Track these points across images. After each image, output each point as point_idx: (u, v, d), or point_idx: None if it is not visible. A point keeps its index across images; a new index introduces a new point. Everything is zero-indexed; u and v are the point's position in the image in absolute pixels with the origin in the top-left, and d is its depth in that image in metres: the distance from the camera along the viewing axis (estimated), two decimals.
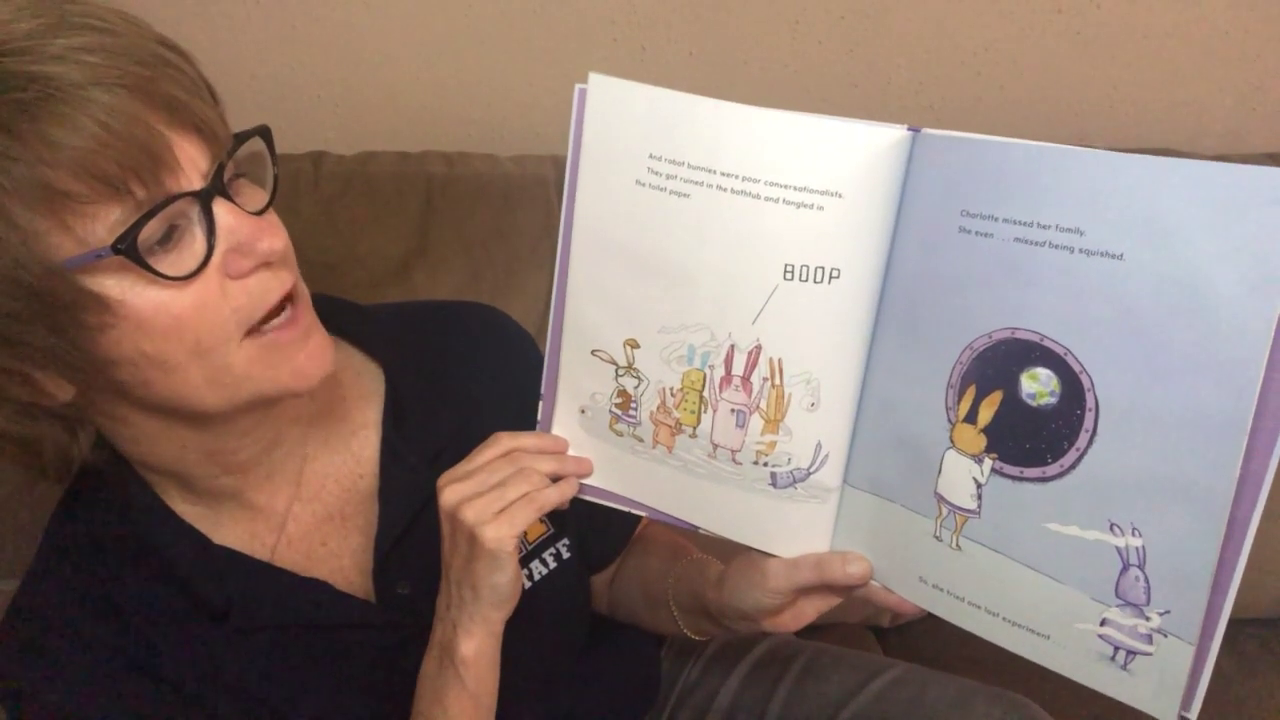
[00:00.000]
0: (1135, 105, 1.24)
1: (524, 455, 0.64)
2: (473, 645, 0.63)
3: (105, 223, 0.50)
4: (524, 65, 1.17)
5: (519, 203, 1.05)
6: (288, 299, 0.59)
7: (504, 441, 0.64)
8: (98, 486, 0.66)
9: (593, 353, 0.64)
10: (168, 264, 0.52)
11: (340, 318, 0.73)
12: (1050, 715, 0.79)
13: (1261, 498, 0.48)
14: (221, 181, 0.54)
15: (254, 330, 0.57)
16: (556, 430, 0.68)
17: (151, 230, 0.51)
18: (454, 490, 0.62)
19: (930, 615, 1.32)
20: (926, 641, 1.20)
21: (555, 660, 0.79)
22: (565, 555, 0.76)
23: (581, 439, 0.67)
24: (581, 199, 0.62)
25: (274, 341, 0.57)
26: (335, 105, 1.17)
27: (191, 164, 0.53)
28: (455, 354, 0.76)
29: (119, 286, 0.52)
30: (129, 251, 0.50)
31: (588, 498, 0.68)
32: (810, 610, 0.66)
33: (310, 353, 0.59)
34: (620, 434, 0.66)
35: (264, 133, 0.59)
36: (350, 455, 0.71)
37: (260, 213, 0.57)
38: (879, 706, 0.82)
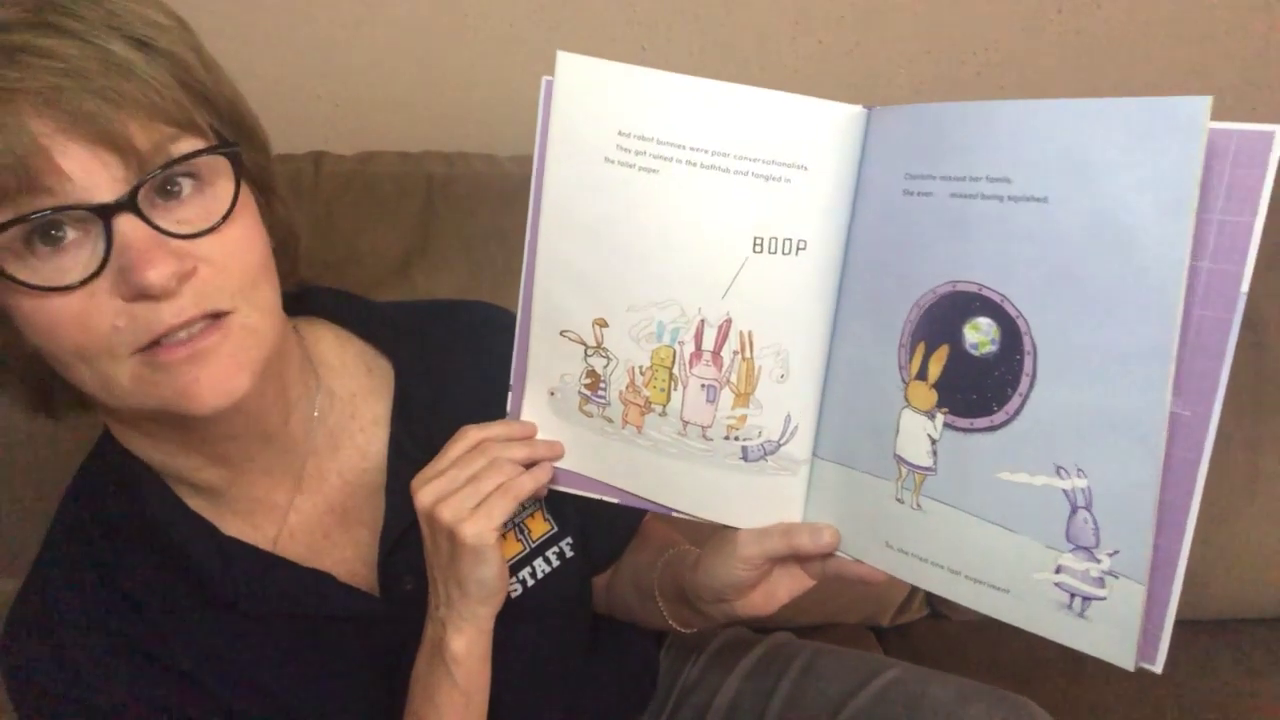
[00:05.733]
0: None
1: (493, 445, 0.64)
2: (462, 642, 0.64)
3: None
4: (524, 65, 1.17)
5: (519, 203, 1.04)
6: (203, 318, 0.56)
7: (471, 434, 0.64)
8: (108, 472, 0.67)
9: (562, 333, 0.65)
10: (52, 268, 0.52)
11: (353, 313, 0.74)
12: (1050, 715, 0.79)
13: (1208, 439, 0.49)
14: (134, 197, 0.52)
15: (142, 349, 0.55)
16: (527, 415, 0.67)
17: (15, 235, 0.51)
18: (429, 490, 0.62)
19: (930, 615, 1.32)
20: (926, 641, 1.21)
21: (557, 658, 0.79)
22: (569, 554, 0.76)
23: (551, 422, 0.67)
24: (550, 179, 0.62)
25: (155, 360, 0.55)
26: (335, 105, 1.17)
27: (94, 175, 0.52)
28: (463, 351, 0.76)
29: None
30: None
31: (560, 488, 0.68)
32: (782, 592, 0.66)
33: (202, 378, 0.56)
34: (590, 415, 0.66)
35: (229, 153, 0.57)
36: (356, 450, 0.72)
37: (191, 236, 0.55)
38: (879, 706, 0.82)
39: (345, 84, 1.16)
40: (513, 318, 0.80)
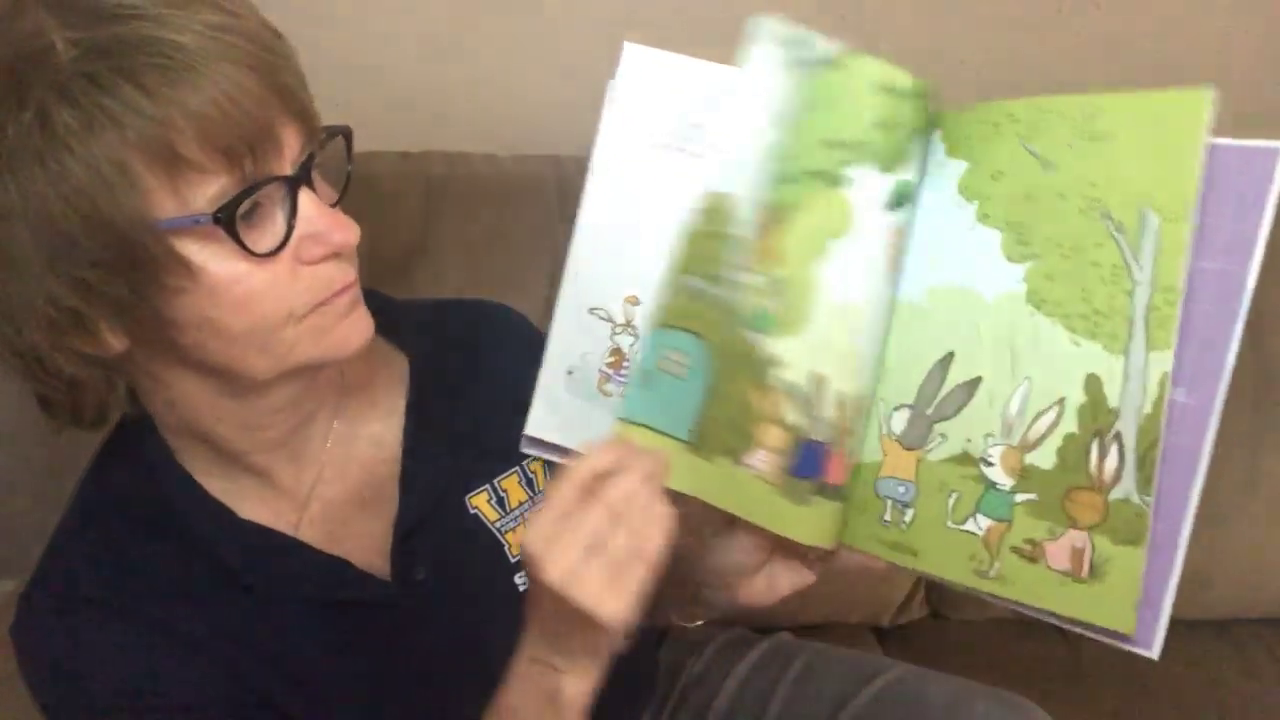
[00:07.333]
0: None
1: (611, 486, 0.52)
2: (587, 686, 0.58)
3: (207, 192, 0.52)
4: (524, 65, 1.17)
5: (519, 203, 1.05)
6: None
7: (577, 473, 0.52)
8: (130, 452, 0.67)
9: (590, 310, 0.65)
10: (250, 240, 0.54)
11: (371, 307, 0.74)
12: (1049, 716, 0.79)
13: (1210, 426, 0.51)
14: (309, 170, 0.57)
15: (316, 305, 0.59)
16: (538, 396, 0.66)
17: (242, 206, 0.54)
18: (554, 565, 0.51)
19: (930, 615, 1.31)
20: (926, 641, 1.20)
21: None
22: None
23: (562, 402, 0.66)
24: (604, 159, 0.65)
25: (327, 309, 0.59)
26: (336, 105, 1.16)
27: (289, 149, 0.55)
28: (479, 348, 0.77)
29: (204, 253, 0.54)
30: (227, 223, 0.53)
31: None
32: (784, 583, 0.66)
33: (353, 322, 0.61)
34: (608, 394, 0.65)
35: (347, 133, 0.62)
36: (374, 440, 0.72)
37: (334, 204, 0.59)
38: (879, 706, 0.82)
39: (345, 84, 1.16)
40: (526, 320, 0.81)
